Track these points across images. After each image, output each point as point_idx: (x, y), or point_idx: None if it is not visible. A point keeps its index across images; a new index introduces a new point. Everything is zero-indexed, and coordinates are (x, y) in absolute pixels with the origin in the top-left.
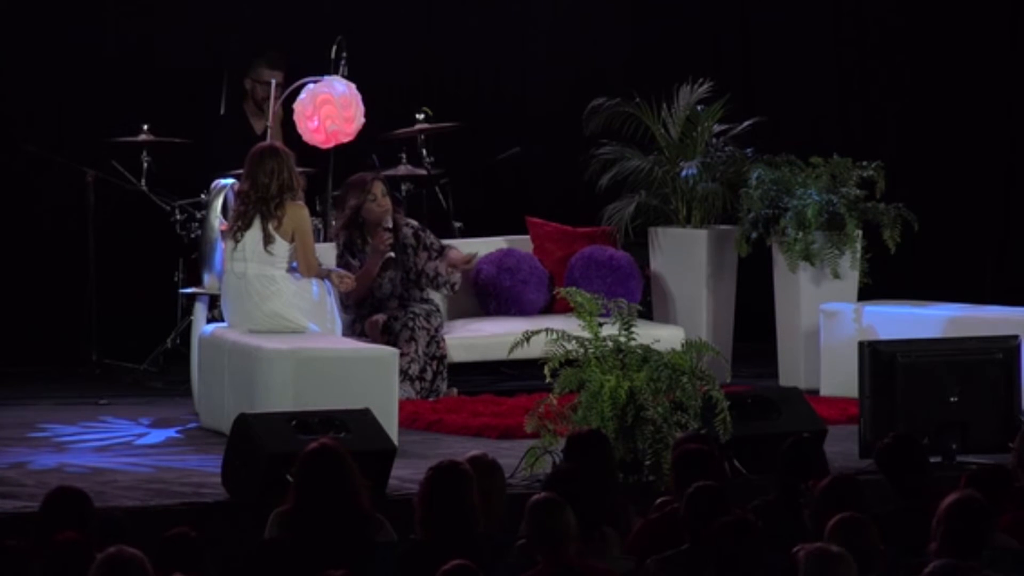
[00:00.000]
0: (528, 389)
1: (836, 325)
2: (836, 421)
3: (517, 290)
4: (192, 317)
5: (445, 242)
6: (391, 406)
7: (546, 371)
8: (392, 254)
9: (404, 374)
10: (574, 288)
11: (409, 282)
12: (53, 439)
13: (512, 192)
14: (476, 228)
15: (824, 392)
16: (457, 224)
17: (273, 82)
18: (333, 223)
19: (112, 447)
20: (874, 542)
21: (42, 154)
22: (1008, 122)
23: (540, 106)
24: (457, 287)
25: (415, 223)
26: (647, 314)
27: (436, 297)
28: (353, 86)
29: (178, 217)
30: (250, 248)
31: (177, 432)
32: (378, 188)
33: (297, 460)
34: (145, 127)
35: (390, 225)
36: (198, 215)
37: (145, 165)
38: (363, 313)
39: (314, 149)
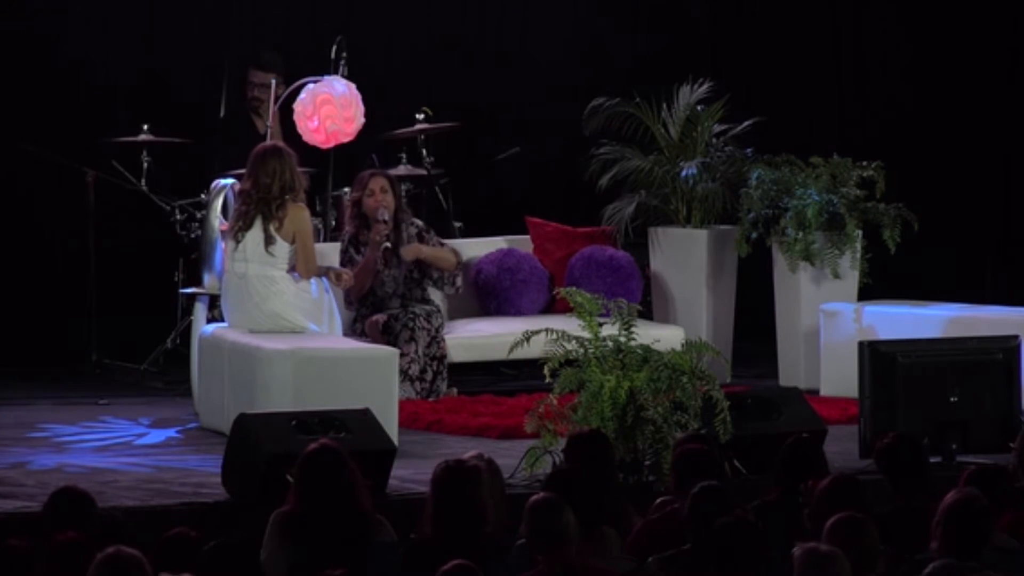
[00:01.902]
0: (528, 389)
1: (836, 325)
2: (836, 421)
3: (517, 290)
4: (192, 317)
5: (445, 242)
6: (391, 406)
7: (546, 371)
8: (389, 244)
9: (404, 374)
10: (574, 288)
11: (412, 280)
12: (53, 439)
13: (512, 192)
14: (476, 228)
15: (824, 392)
16: (457, 224)
17: (273, 83)
18: (334, 222)
19: (112, 447)
20: (874, 542)
21: (42, 154)
22: (1008, 122)
23: (540, 106)
24: (459, 283)
25: (420, 223)
26: (647, 314)
27: (436, 297)
28: (353, 86)
29: (178, 217)
30: (251, 248)
31: (177, 432)
32: (376, 183)
33: (297, 460)
34: (145, 127)
35: (386, 217)
36: (198, 215)
37: (145, 165)
38: (364, 312)
39: (314, 149)
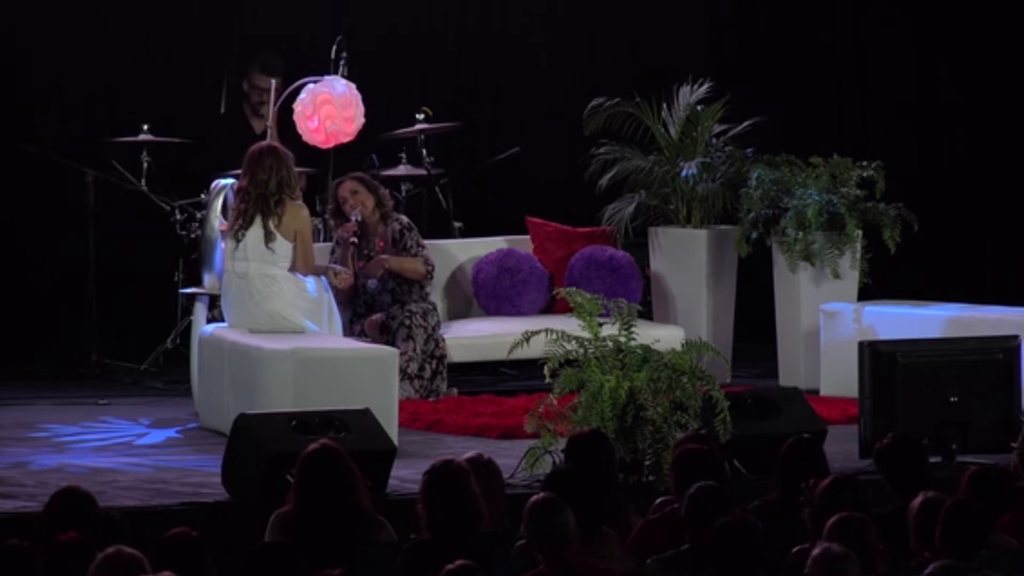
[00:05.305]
0: (528, 389)
1: (836, 325)
2: (836, 421)
3: (517, 290)
4: (192, 317)
5: (444, 243)
6: (391, 406)
7: (546, 371)
8: (355, 240)
9: (403, 372)
10: (574, 288)
11: (395, 276)
12: (53, 439)
13: (512, 192)
14: (476, 228)
15: (824, 392)
16: (457, 224)
17: (273, 83)
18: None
19: (112, 447)
20: (874, 542)
21: (42, 154)
22: (1008, 121)
23: (540, 106)
24: (427, 290)
25: (404, 220)
26: (647, 314)
27: (435, 296)
28: (353, 86)
29: (178, 217)
30: (251, 247)
31: (177, 432)
32: (344, 190)
33: (297, 461)
34: (145, 127)
35: (359, 218)
36: (198, 215)
37: (145, 165)
38: (361, 311)
39: (314, 149)
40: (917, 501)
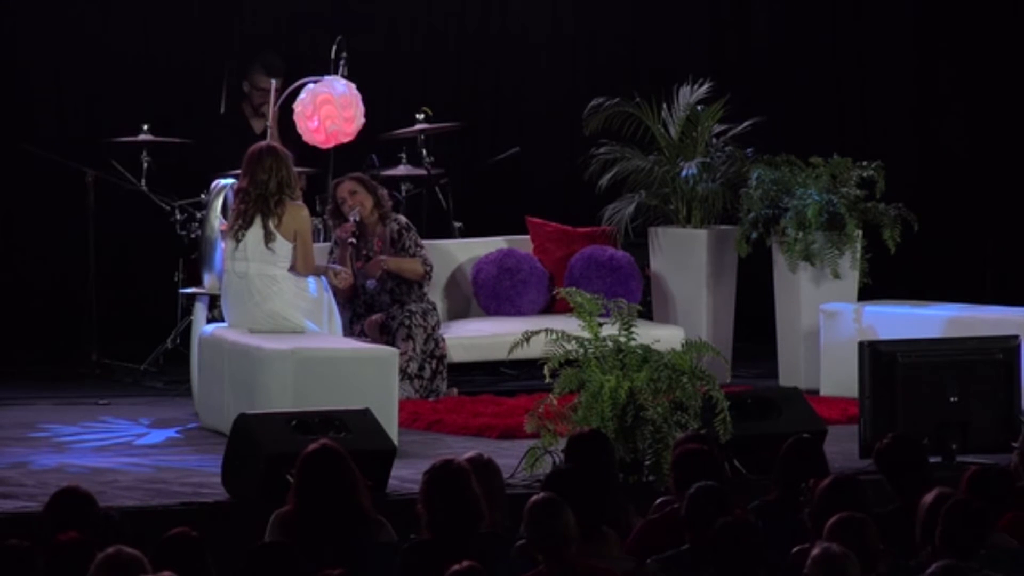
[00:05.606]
0: (528, 389)
1: (836, 325)
2: (836, 421)
3: (517, 290)
4: (192, 317)
5: (444, 243)
6: (391, 406)
7: (546, 371)
8: (354, 240)
9: (403, 372)
10: (574, 288)
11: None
12: (53, 439)
13: (512, 192)
14: (476, 228)
15: (824, 392)
16: (457, 224)
17: (273, 83)
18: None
19: (112, 447)
20: (874, 542)
21: (42, 154)
22: (1009, 122)
23: (540, 106)
24: (426, 290)
25: (403, 220)
26: (647, 314)
27: (435, 296)
28: (353, 86)
29: (178, 217)
30: (252, 247)
31: (177, 432)
32: (343, 190)
33: (297, 461)
34: (145, 127)
35: (357, 218)
36: (198, 215)
37: (145, 165)
38: (361, 312)
39: (314, 149)
40: (929, 496)
